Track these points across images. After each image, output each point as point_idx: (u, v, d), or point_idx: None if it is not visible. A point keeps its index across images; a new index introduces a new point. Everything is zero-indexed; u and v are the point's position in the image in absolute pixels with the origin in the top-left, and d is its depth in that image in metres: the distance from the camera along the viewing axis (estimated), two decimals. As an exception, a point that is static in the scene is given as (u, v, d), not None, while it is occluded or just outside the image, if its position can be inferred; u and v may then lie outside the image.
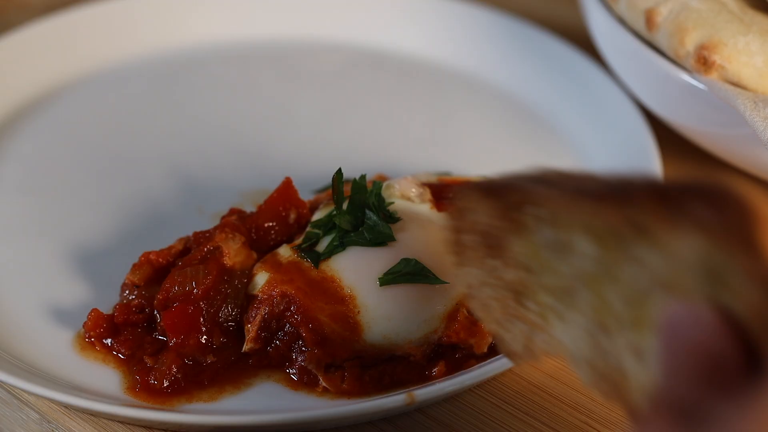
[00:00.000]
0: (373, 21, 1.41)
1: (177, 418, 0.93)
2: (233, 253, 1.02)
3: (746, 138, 1.07)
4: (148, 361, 0.98)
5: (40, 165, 1.22)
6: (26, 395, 0.98)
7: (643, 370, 0.71)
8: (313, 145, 1.25)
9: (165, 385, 0.96)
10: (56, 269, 1.09)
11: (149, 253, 1.03)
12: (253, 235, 1.05)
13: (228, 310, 1.00)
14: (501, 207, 0.81)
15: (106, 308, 1.03)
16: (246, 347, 0.99)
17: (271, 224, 1.05)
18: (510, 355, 0.86)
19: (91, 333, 1.00)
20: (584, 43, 1.34)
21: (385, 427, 0.96)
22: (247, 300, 1.00)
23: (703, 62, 1.09)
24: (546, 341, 0.82)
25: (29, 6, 1.47)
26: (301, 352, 0.97)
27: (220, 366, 0.98)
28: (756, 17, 1.11)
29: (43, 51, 1.33)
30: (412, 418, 0.97)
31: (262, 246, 1.05)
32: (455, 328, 0.98)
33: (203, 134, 1.27)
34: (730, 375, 0.60)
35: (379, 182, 1.03)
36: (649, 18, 1.13)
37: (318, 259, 1.00)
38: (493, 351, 0.99)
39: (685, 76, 1.11)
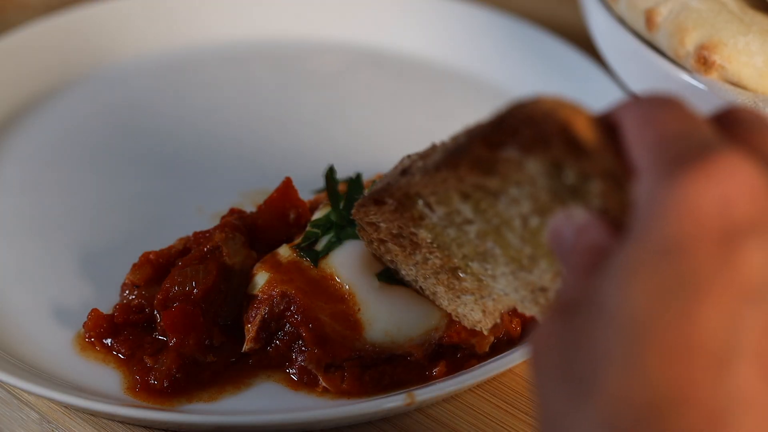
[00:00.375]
0: (373, 21, 1.41)
1: (177, 418, 0.93)
2: (233, 252, 1.02)
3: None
4: (148, 361, 0.98)
5: (40, 165, 1.22)
6: (26, 395, 0.98)
7: None
8: (313, 145, 1.25)
9: (165, 385, 0.96)
10: (56, 269, 1.09)
11: (149, 253, 1.03)
12: (252, 235, 1.05)
13: (228, 310, 1.00)
14: (392, 210, 0.89)
15: (106, 308, 1.03)
16: (246, 347, 0.99)
17: (270, 224, 1.05)
18: (476, 325, 0.94)
19: (91, 333, 1.00)
20: (584, 43, 1.34)
21: (385, 427, 0.96)
22: (246, 300, 1.00)
23: (703, 62, 1.09)
24: (495, 300, 0.89)
25: (29, 6, 1.47)
26: (301, 352, 0.97)
27: (220, 366, 0.98)
28: (756, 17, 1.11)
29: (42, 51, 1.33)
30: (412, 417, 0.97)
31: (261, 246, 1.05)
32: (456, 328, 0.97)
33: (203, 134, 1.27)
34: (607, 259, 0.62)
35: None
36: (649, 18, 1.13)
37: (317, 257, 1.00)
38: (493, 351, 0.99)
39: (685, 76, 1.11)
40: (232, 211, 1.07)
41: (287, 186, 1.07)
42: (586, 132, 0.67)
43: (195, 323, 0.97)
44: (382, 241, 0.96)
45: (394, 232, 0.93)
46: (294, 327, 0.97)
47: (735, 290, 0.56)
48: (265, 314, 0.98)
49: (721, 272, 0.56)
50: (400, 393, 0.95)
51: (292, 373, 0.98)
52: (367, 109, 1.32)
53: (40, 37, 1.34)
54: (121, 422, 0.96)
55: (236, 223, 1.04)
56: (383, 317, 0.98)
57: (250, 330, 0.98)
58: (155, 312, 1.00)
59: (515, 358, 0.97)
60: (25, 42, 1.33)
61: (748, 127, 0.63)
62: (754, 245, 0.57)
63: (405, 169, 0.86)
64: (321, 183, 1.15)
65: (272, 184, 1.08)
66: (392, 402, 0.94)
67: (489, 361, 0.98)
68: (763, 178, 0.59)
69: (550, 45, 1.34)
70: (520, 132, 0.71)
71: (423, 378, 0.97)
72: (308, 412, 0.94)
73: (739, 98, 1.05)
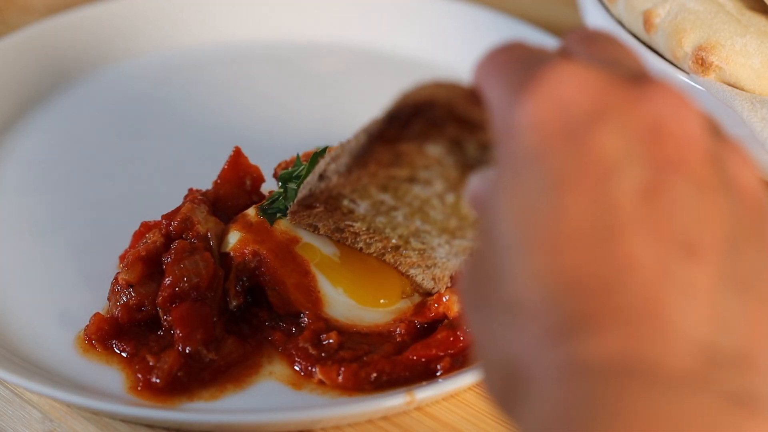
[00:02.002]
0: (373, 21, 1.41)
1: (178, 417, 0.93)
2: (203, 220, 1.03)
3: (744, 138, 1.08)
4: (151, 360, 0.98)
5: (42, 166, 1.23)
6: (28, 394, 0.99)
7: None
8: (315, 146, 1.25)
9: (166, 383, 0.97)
10: (58, 269, 1.10)
11: (139, 250, 1.03)
12: (215, 208, 1.07)
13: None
14: (322, 211, 0.95)
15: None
16: (231, 305, 1.01)
17: (230, 195, 1.08)
18: (431, 291, 1.00)
19: (93, 336, 1.00)
20: (583, 44, 1.34)
21: (386, 426, 0.97)
22: (222, 261, 1.03)
23: (700, 63, 1.09)
24: (440, 268, 0.97)
25: (31, 8, 1.48)
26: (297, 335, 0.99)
27: (221, 364, 0.99)
28: (753, 18, 1.11)
29: (43, 52, 1.33)
30: (412, 416, 0.97)
31: (225, 218, 1.07)
32: (425, 309, 1.00)
33: (204, 135, 1.27)
34: None
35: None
36: (647, 20, 1.14)
37: (273, 218, 1.03)
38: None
39: (684, 78, 1.11)
40: (191, 191, 1.09)
41: (237, 155, 1.09)
42: (469, 107, 0.69)
43: (203, 317, 0.98)
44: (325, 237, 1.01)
45: (332, 227, 0.98)
46: (262, 286, 1.00)
47: (593, 172, 0.59)
48: (238, 270, 1.01)
49: (575, 163, 0.59)
50: (401, 392, 0.96)
51: (297, 360, 0.99)
52: (367, 110, 1.32)
53: (41, 38, 1.34)
54: (123, 421, 0.96)
55: (199, 197, 1.07)
56: (340, 309, 1.00)
57: (229, 288, 1.01)
58: (158, 309, 1.00)
59: (514, 357, 0.97)
60: (26, 43, 1.33)
61: (585, 41, 0.67)
62: (601, 131, 0.60)
63: (321, 174, 0.90)
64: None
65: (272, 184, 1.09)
66: (393, 401, 0.94)
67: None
68: (596, 73, 0.62)
69: (548, 46, 1.34)
70: (411, 123, 0.73)
71: (422, 376, 0.98)
72: (309, 410, 0.95)
73: (737, 99, 1.06)
